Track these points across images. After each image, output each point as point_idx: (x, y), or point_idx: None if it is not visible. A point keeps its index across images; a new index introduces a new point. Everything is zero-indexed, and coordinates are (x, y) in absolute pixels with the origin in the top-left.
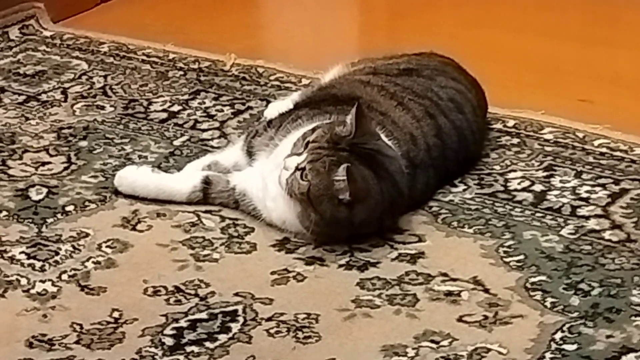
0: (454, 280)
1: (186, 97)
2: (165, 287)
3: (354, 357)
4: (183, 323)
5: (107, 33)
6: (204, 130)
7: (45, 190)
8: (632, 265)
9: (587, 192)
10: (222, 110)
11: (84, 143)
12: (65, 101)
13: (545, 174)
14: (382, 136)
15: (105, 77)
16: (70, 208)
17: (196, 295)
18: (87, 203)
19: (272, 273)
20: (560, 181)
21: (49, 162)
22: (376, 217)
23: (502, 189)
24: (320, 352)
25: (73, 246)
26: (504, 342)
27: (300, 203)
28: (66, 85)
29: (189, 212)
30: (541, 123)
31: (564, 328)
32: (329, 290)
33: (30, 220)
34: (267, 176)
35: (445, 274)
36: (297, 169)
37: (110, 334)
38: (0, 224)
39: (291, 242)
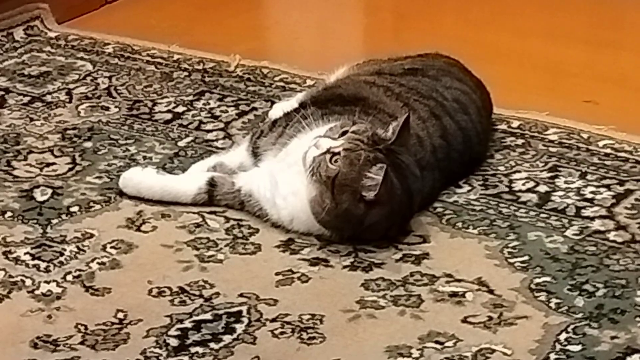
0: (459, 281)
1: (191, 98)
2: (169, 288)
3: (358, 358)
4: (188, 324)
5: (112, 34)
6: (208, 131)
7: (50, 191)
8: (637, 266)
9: (591, 192)
10: (226, 111)
11: (88, 144)
12: (70, 102)
13: (549, 174)
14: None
15: (110, 78)
16: (75, 209)
17: (201, 296)
18: (91, 204)
19: (277, 274)
20: (565, 182)
21: (54, 163)
22: (385, 226)
23: (506, 189)
24: (325, 353)
25: (78, 247)
26: (508, 343)
27: (319, 186)
28: (71, 86)
29: (193, 213)
30: (546, 124)
31: (569, 329)
32: (334, 291)
33: (35, 221)
34: (278, 175)
35: (449, 275)
36: (328, 151)
37: (114, 335)
38: (5, 224)
39: (296, 243)
